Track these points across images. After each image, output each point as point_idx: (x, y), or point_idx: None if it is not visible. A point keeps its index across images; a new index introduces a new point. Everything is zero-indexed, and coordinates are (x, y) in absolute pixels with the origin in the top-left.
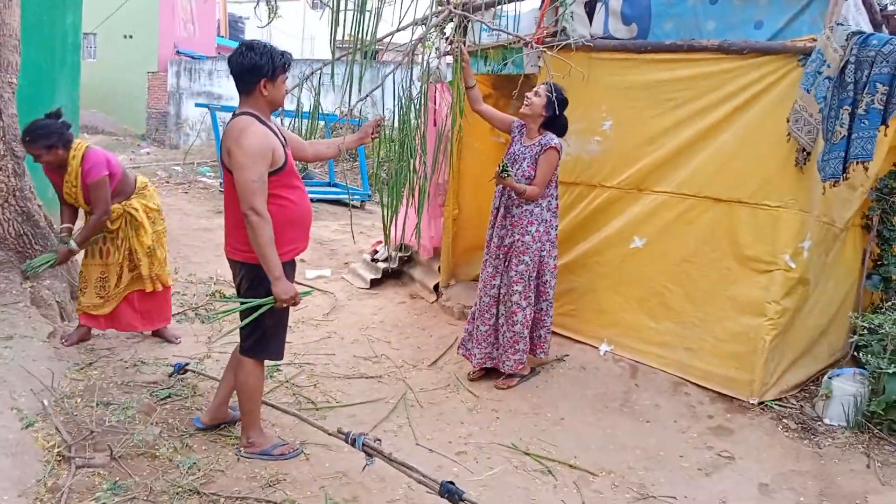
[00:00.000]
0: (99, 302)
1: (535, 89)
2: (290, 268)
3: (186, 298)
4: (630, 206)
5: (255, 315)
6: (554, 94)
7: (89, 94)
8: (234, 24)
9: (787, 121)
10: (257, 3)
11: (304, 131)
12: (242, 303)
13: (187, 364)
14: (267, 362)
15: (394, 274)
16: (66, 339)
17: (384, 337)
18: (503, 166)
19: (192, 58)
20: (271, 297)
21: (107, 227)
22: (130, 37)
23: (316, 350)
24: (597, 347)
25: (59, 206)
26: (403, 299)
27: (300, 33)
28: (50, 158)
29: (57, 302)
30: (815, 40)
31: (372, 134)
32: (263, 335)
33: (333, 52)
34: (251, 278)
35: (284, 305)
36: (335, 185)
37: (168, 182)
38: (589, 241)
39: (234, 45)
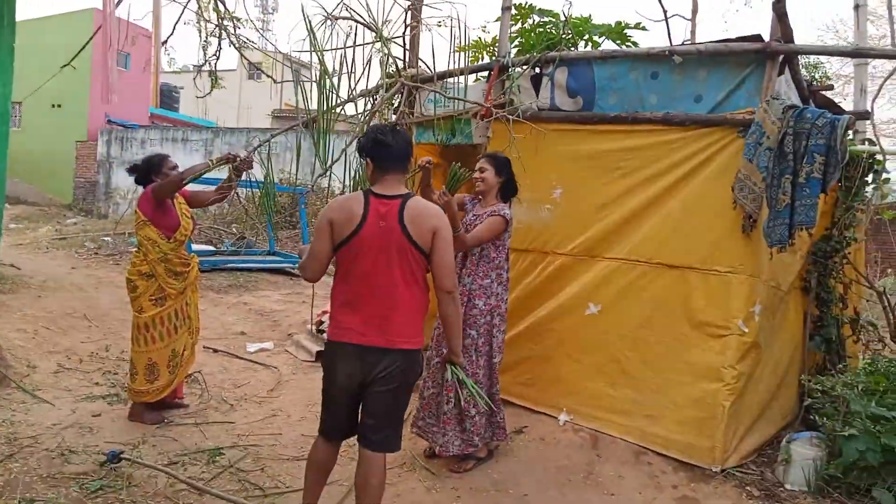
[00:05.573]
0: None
1: (478, 166)
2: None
3: (118, 378)
4: (584, 273)
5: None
6: (498, 162)
7: (13, 164)
8: (169, 94)
9: (732, 189)
10: (197, 73)
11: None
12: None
13: (121, 452)
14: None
15: None
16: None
17: None
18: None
19: (125, 126)
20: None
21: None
22: (59, 106)
23: (261, 430)
24: (556, 417)
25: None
26: None
27: (237, 102)
28: None
29: None
30: (753, 113)
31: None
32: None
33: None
34: (406, 366)
35: None
36: (275, 254)
37: (98, 253)
38: (544, 309)
39: (168, 114)
